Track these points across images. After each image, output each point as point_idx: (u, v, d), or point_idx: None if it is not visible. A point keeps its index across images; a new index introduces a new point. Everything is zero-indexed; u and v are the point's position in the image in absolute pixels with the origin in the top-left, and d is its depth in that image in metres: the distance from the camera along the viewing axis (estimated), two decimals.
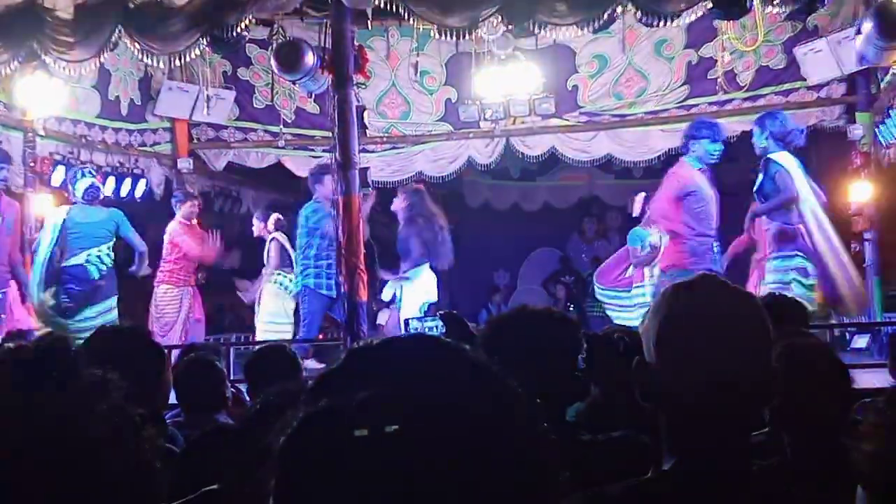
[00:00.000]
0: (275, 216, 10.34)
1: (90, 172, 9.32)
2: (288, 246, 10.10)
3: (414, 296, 9.62)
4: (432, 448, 0.87)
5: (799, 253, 8.14)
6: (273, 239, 10.24)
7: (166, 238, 10.01)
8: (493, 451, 0.90)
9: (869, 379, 7.36)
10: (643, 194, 9.51)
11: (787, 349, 2.08)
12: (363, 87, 9.37)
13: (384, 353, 0.97)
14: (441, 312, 4.74)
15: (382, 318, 10.38)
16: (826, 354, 2.63)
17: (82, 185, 9.13)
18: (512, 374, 1.00)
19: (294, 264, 9.90)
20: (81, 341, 3.12)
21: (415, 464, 0.87)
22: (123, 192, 10.27)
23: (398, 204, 9.91)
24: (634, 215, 9.62)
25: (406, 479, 0.86)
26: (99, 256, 9.18)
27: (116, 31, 8.21)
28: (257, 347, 5.81)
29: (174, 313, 9.90)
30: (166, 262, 9.97)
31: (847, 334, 9.21)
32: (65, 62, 8.33)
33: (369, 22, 8.80)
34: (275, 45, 8.83)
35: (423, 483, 0.86)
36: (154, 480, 1.14)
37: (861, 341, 8.66)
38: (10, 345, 1.17)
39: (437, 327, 7.03)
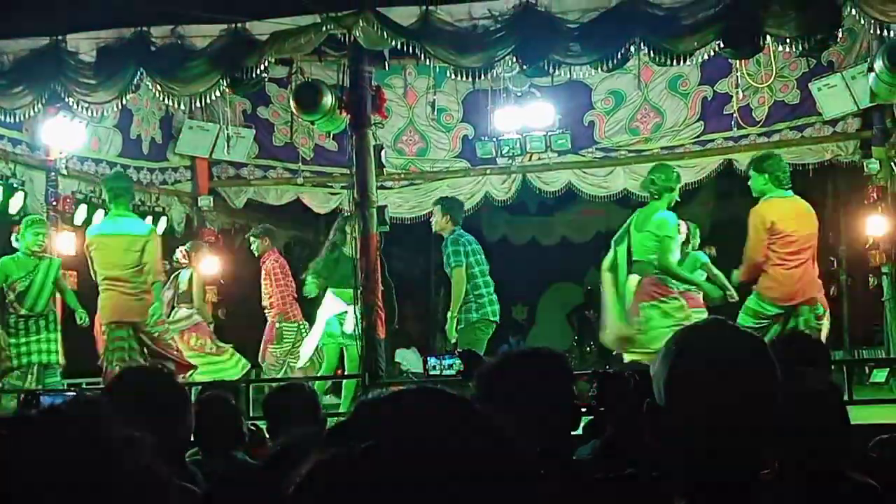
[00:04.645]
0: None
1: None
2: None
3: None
4: (432, 500, 0.91)
5: None
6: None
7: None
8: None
9: (887, 413, 7.35)
10: None
11: (789, 393, 2.11)
12: (380, 126, 9.44)
13: (393, 406, 0.99)
14: (459, 350, 4.78)
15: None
16: (826, 398, 2.66)
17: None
18: (513, 417, 1.04)
19: None
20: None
21: None
22: None
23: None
24: None
25: None
26: None
27: (138, 73, 8.33)
28: (277, 385, 5.85)
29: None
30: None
31: (867, 368, 9.18)
32: (87, 104, 8.45)
33: (386, 63, 8.89)
34: (293, 85, 8.93)
35: None
36: None
37: (880, 375, 8.63)
38: (42, 408, 1.18)
39: (455, 364, 7.07)
